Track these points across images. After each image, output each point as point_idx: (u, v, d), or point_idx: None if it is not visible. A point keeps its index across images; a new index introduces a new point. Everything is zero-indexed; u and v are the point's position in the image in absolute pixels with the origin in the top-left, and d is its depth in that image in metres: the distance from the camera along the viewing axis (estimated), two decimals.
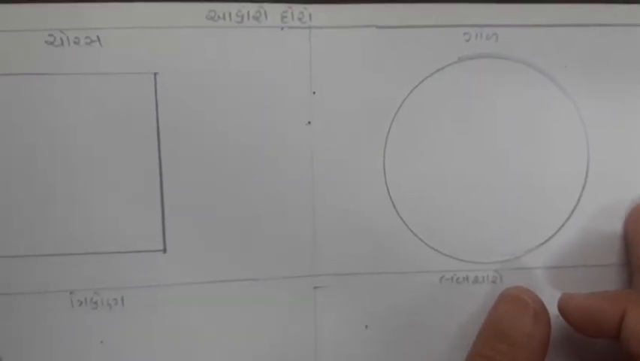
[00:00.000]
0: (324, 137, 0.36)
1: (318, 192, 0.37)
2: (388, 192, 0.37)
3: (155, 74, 0.35)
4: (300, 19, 0.35)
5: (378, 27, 0.36)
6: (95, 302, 0.36)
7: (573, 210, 0.37)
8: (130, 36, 0.35)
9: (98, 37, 0.34)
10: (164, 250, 0.36)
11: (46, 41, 0.34)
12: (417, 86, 0.36)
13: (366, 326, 0.38)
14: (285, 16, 0.35)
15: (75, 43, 0.34)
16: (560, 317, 0.35)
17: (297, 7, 0.35)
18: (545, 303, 0.35)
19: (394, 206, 0.37)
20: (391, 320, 0.38)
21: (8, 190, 0.35)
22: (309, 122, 0.36)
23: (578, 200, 0.37)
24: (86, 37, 0.34)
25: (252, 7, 0.35)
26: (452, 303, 0.38)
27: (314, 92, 0.36)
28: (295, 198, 0.37)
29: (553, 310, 0.35)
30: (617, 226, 0.37)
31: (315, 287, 0.37)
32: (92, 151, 0.35)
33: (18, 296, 0.36)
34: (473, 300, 0.38)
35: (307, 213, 0.37)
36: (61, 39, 0.34)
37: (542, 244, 0.37)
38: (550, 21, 0.36)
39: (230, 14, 0.35)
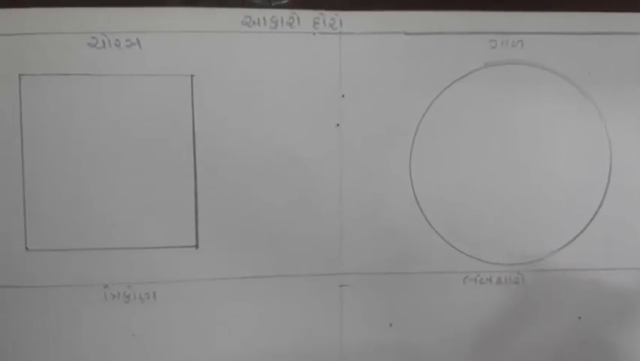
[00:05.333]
0: (353, 139, 0.37)
1: (346, 193, 0.38)
2: (414, 193, 0.38)
3: (192, 76, 0.36)
4: (331, 25, 0.37)
5: (406, 33, 0.37)
6: (128, 296, 0.37)
7: (595, 214, 0.38)
8: (168, 39, 0.36)
9: (137, 40, 0.36)
10: (197, 246, 0.37)
11: (88, 43, 0.36)
12: (443, 90, 0.37)
13: (391, 324, 0.38)
14: (317, 22, 0.37)
15: (116, 45, 0.36)
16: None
17: (329, 14, 0.37)
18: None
19: (420, 207, 0.38)
20: (415, 319, 0.38)
21: (46, 186, 0.36)
22: (338, 125, 0.37)
23: (601, 204, 0.38)
24: (127, 40, 0.36)
25: (286, 14, 0.36)
26: (475, 303, 0.38)
27: (343, 95, 0.37)
28: (323, 198, 0.38)
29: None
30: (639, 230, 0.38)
31: (341, 285, 0.38)
32: (128, 150, 0.37)
33: (54, 288, 0.37)
34: (496, 300, 0.38)
35: (335, 213, 0.38)
36: (102, 41, 0.36)
37: (565, 246, 0.38)
38: (575, 29, 0.37)
39: (264, 20, 0.36)
